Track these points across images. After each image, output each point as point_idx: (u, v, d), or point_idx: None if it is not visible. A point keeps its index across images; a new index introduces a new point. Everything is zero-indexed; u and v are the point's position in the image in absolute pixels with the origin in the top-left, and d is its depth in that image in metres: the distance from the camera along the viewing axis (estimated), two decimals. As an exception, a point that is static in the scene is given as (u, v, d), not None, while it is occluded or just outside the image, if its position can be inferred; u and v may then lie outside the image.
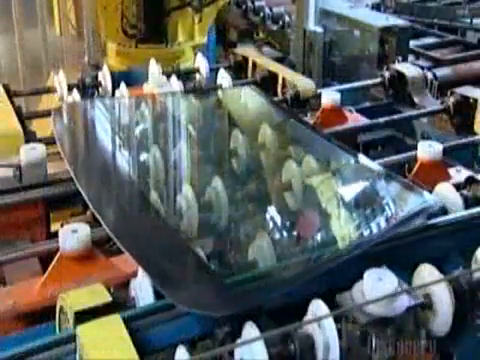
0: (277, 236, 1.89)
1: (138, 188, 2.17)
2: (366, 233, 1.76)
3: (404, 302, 1.38)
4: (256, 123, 2.51)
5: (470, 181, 1.97)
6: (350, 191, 2.03)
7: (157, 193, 2.06)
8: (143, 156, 2.31)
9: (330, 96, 2.78)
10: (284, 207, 2.08)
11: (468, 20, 5.10)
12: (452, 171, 2.09)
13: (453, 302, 1.44)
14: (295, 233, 1.92)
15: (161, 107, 2.80)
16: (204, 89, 3.10)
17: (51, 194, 2.06)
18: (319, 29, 4.00)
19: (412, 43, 4.12)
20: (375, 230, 1.73)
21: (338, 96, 2.76)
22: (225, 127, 2.65)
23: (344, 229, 1.84)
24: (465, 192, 1.93)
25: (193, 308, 1.38)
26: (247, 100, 2.85)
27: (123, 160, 2.31)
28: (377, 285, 1.37)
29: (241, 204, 2.11)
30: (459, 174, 2.05)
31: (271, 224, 1.98)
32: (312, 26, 4.00)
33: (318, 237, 1.84)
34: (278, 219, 2.02)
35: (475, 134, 2.69)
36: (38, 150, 2.13)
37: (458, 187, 1.90)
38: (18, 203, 2.00)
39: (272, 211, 2.08)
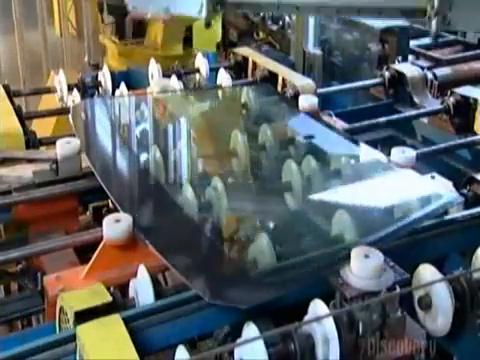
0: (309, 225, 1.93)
1: (162, 183, 2.19)
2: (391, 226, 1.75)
3: (390, 277, 1.40)
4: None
5: (470, 181, 1.97)
6: (377, 186, 2.08)
7: (185, 189, 2.06)
8: (177, 150, 2.36)
9: (307, 100, 2.70)
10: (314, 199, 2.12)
11: (468, 20, 5.09)
12: (426, 177, 2.08)
13: (453, 302, 1.44)
14: (326, 224, 1.91)
15: (181, 104, 2.83)
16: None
17: (90, 186, 2.10)
18: (318, 51, 3.99)
19: (412, 43, 4.11)
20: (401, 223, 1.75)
21: (315, 100, 2.70)
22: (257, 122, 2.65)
23: (368, 222, 1.86)
24: (465, 191, 1.93)
25: (223, 302, 1.41)
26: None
27: (161, 155, 2.30)
28: (364, 262, 1.39)
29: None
30: (434, 180, 2.03)
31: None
32: (312, 49, 3.99)
33: (344, 230, 1.83)
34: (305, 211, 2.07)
35: (475, 134, 2.69)
36: (73, 144, 2.16)
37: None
38: (55, 195, 2.06)
39: (304, 204, 2.11)
